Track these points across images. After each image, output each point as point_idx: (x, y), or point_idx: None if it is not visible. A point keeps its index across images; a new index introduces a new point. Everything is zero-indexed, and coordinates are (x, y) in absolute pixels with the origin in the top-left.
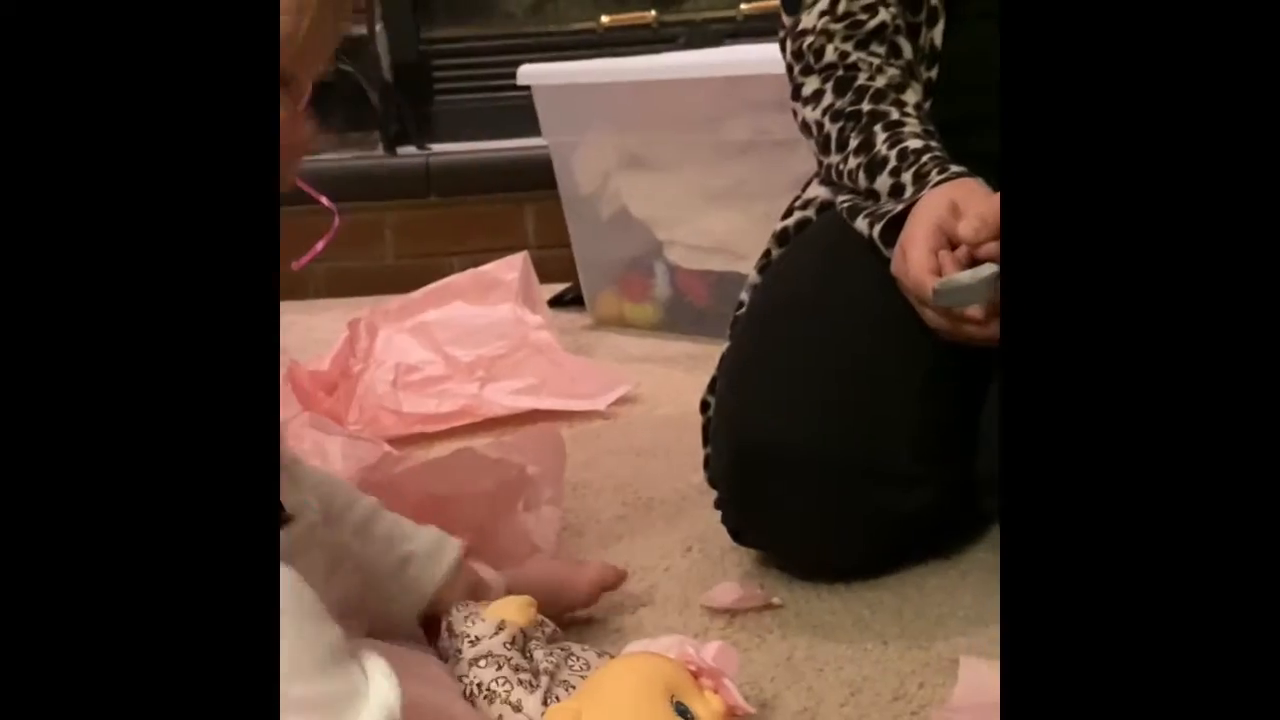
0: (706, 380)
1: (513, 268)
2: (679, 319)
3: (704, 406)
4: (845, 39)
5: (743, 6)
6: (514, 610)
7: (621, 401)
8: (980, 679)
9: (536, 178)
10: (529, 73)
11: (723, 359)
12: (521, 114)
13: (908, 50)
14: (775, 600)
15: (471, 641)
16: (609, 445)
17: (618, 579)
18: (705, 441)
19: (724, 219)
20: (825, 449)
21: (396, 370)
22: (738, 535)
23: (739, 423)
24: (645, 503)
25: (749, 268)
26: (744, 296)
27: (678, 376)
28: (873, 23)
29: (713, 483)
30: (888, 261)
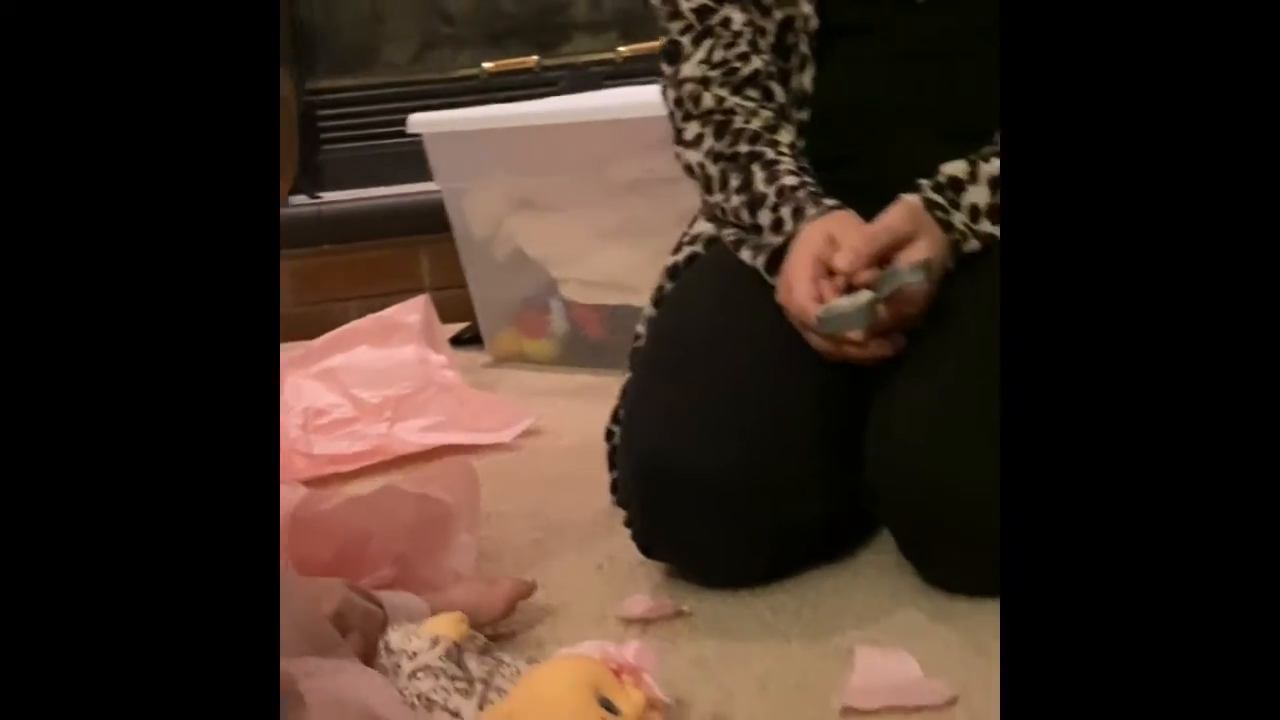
0: (607, 410)
1: (414, 310)
2: (576, 352)
3: (609, 435)
4: (722, 85)
5: (621, 49)
6: (447, 626)
7: (527, 434)
8: (874, 665)
9: (429, 221)
10: (419, 121)
11: (625, 388)
12: (410, 159)
13: (780, 94)
14: (685, 609)
15: (410, 656)
16: (518, 476)
17: (528, 590)
18: (611, 467)
19: (615, 255)
20: (727, 467)
21: (305, 415)
22: (648, 550)
23: (645, 447)
24: (557, 528)
25: (642, 300)
26: (640, 329)
27: (579, 408)
28: (746, 70)
29: (622, 504)
30: (774, 289)
